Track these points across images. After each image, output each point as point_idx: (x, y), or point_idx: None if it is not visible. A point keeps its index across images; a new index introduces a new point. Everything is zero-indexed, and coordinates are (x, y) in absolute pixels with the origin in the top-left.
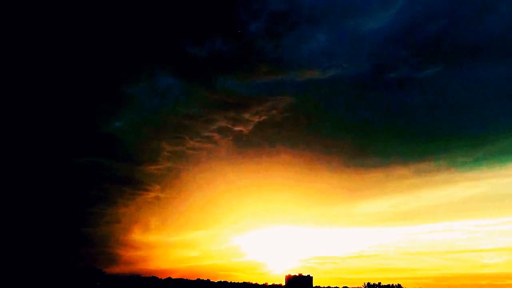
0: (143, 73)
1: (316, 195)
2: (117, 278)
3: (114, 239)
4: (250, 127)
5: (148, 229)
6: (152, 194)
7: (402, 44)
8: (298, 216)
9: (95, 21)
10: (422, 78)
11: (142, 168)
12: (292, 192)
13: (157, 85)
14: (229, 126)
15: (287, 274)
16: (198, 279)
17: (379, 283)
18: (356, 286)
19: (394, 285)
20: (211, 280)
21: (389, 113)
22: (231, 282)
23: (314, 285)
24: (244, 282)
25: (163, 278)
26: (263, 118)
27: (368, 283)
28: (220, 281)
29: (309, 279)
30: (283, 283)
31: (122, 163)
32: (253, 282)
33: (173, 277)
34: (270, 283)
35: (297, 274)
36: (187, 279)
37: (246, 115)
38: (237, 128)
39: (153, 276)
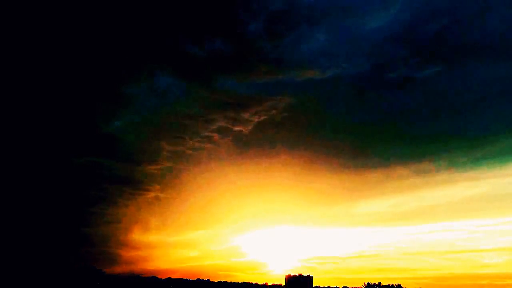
0: (143, 73)
1: (316, 195)
2: (117, 278)
3: (114, 239)
4: (250, 127)
5: (148, 229)
6: (152, 194)
7: (402, 44)
8: (298, 216)
9: (95, 22)
10: (422, 78)
11: (142, 168)
12: (292, 192)
13: (156, 85)
14: (229, 126)
15: (287, 274)
16: (198, 279)
17: (379, 283)
18: (356, 286)
19: (394, 285)
20: (211, 280)
21: (389, 113)
22: (231, 282)
23: (314, 285)
24: (244, 282)
25: (163, 278)
26: (262, 118)
27: (368, 283)
28: (220, 281)
29: (309, 279)
30: (283, 283)
31: (122, 163)
32: (253, 282)
33: (173, 277)
34: (270, 283)
35: (297, 274)
36: (187, 279)
37: (246, 115)
38: (236, 128)
39: (153, 276)
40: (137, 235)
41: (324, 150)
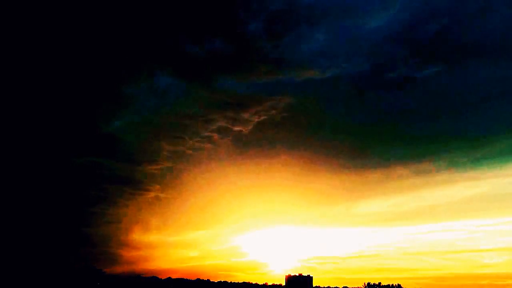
0: (143, 73)
1: (316, 195)
2: (118, 278)
3: (114, 239)
4: (250, 127)
5: (148, 229)
6: (152, 194)
7: (401, 44)
8: (298, 216)
9: (95, 22)
10: (422, 78)
11: (142, 168)
12: (292, 192)
13: (156, 85)
14: (229, 126)
15: (287, 274)
16: (198, 279)
17: (379, 283)
18: (356, 286)
19: (394, 285)
20: (211, 280)
21: (388, 113)
22: (231, 282)
23: (314, 285)
24: (244, 282)
25: (163, 278)
26: (262, 118)
27: (368, 283)
28: (220, 281)
29: (309, 279)
30: (283, 283)
31: (122, 163)
32: (253, 282)
33: (173, 277)
34: (270, 283)
35: (297, 274)
36: (187, 279)
37: (246, 115)
38: (236, 128)
39: (153, 276)
40: (137, 235)
41: (324, 150)
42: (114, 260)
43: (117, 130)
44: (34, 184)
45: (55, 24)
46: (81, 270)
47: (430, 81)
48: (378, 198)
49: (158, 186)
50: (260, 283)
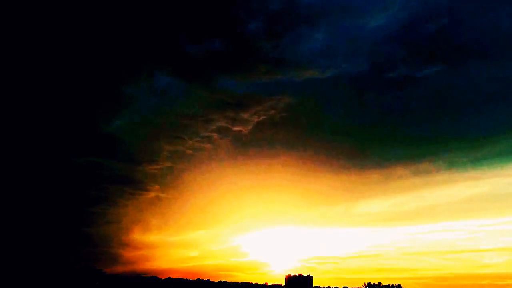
0: (142, 73)
1: (316, 195)
2: (118, 278)
3: (114, 239)
4: (250, 127)
5: (148, 229)
6: (152, 194)
7: (401, 43)
8: (298, 216)
9: (94, 21)
10: (422, 77)
11: (142, 168)
12: (292, 193)
13: (156, 84)
14: (229, 126)
15: (287, 274)
16: (199, 279)
17: (379, 283)
18: (356, 286)
19: (394, 285)
20: (211, 280)
21: (388, 113)
22: (231, 282)
23: (314, 285)
24: (244, 282)
25: (163, 278)
26: (262, 118)
27: (368, 283)
28: (220, 281)
29: (309, 279)
30: (283, 283)
31: (122, 163)
32: (253, 282)
33: (174, 277)
34: (270, 283)
35: (297, 274)
36: (187, 279)
37: (245, 115)
38: (236, 128)
39: (153, 276)
40: (137, 235)
41: (324, 150)
42: (114, 260)
43: (117, 129)
44: (34, 184)
45: (54, 24)
46: (81, 270)
47: (430, 81)
48: (378, 198)
49: (158, 186)
50: (260, 283)
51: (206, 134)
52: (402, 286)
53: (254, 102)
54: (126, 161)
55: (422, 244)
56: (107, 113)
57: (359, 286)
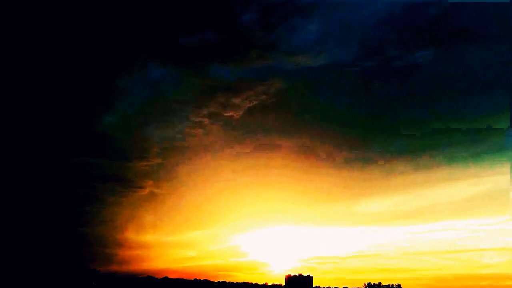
0: (136, 65)
1: (316, 193)
2: (113, 278)
3: (108, 238)
4: (241, 112)
5: (143, 227)
6: (146, 191)
7: (397, 29)
8: (298, 215)
9: (86, 15)
10: (419, 64)
11: (133, 165)
12: (292, 191)
13: (150, 76)
14: (220, 111)
15: (287, 274)
16: (196, 279)
17: (379, 283)
18: (356, 287)
19: (394, 285)
20: (210, 280)
21: (388, 100)
22: (230, 282)
23: (314, 285)
24: (243, 282)
25: (159, 278)
26: (254, 103)
27: (368, 283)
28: (220, 281)
29: (309, 279)
30: (283, 283)
31: (112, 160)
32: (253, 282)
33: (170, 277)
34: (270, 283)
35: (297, 274)
36: (184, 279)
37: (237, 101)
38: (227, 114)
39: (149, 276)
40: (131, 234)
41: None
42: (109, 260)
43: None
44: (27, 185)
45: (41, 18)
46: (76, 269)
47: (428, 66)
48: (379, 197)
49: (151, 182)
50: (260, 283)
51: (198, 119)
52: (402, 286)
53: (246, 87)
54: (116, 157)
55: (422, 244)
56: (100, 109)
57: (359, 287)
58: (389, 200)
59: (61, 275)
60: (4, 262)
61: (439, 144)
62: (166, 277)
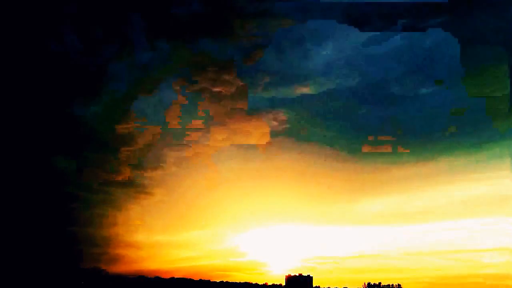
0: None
1: (317, 193)
2: (120, 278)
3: (117, 239)
4: (233, 90)
5: (148, 229)
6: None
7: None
8: (298, 214)
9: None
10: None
11: (120, 154)
12: (292, 190)
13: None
14: (209, 87)
15: (287, 274)
16: (201, 280)
17: (380, 283)
18: (356, 287)
19: (394, 285)
20: (212, 280)
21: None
22: (230, 282)
23: (314, 285)
24: (243, 282)
25: (165, 278)
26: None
27: (369, 283)
28: (222, 281)
29: (309, 279)
30: (283, 283)
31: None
32: (253, 282)
33: (166, 277)
34: (270, 283)
35: (297, 274)
36: (188, 279)
37: (228, 77)
38: (217, 89)
39: (156, 276)
40: (138, 235)
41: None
42: (117, 260)
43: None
44: (35, 185)
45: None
46: (84, 270)
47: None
48: (379, 196)
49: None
50: (260, 283)
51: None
52: (402, 286)
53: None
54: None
55: (422, 244)
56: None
57: (359, 287)
58: (390, 199)
59: (69, 275)
60: (13, 263)
61: (440, 148)
62: (172, 278)
